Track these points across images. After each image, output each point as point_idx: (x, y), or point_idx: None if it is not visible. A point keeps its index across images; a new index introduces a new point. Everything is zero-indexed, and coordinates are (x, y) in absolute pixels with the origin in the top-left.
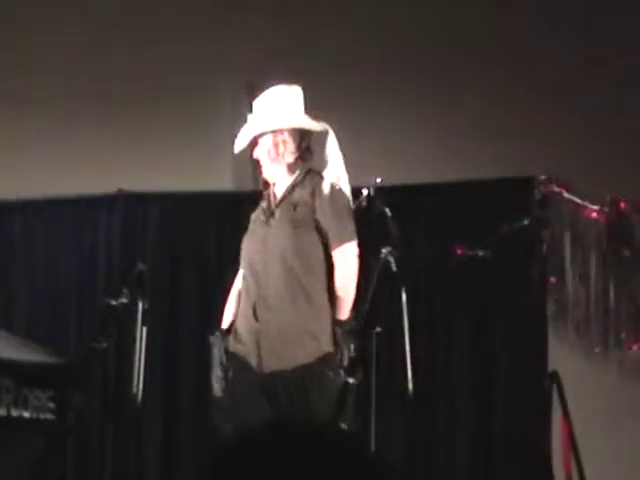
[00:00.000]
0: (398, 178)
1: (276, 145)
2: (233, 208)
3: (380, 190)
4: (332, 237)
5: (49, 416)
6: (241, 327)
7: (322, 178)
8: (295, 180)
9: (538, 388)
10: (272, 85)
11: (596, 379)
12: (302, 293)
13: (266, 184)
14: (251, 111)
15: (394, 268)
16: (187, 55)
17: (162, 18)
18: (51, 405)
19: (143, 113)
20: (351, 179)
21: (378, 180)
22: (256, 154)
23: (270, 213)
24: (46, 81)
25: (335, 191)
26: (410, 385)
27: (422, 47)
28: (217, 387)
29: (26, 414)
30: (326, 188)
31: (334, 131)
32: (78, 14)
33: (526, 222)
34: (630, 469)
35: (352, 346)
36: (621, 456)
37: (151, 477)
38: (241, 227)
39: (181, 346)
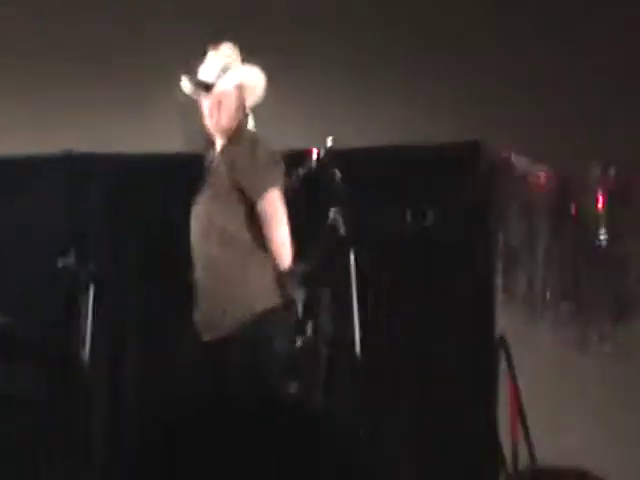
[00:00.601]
0: (348, 141)
1: (219, 104)
2: (179, 169)
3: (330, 152)
4: (253, 189)
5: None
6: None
7: (243, 138)
8: (227, 142)
9: (486, 354)
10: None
11: (543, 345)
12: (235, 254)
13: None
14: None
15: (342, 230)
16: (141, 11)
17: None
18: None
19: (92, 72)
20: (302, 140)
21: (329, 142)
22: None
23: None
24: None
25: (252, 142)
26: (357, 348)
27: (374, 7)
28: None
29: None
30: (245, 145)
31: (288, 94)
32: None
33: (473, 187)
34: (576, 435)
35: (302, 292)
36: (568, 421)
37: (98, 439)
38: (187, 189)
39: (128, 307)
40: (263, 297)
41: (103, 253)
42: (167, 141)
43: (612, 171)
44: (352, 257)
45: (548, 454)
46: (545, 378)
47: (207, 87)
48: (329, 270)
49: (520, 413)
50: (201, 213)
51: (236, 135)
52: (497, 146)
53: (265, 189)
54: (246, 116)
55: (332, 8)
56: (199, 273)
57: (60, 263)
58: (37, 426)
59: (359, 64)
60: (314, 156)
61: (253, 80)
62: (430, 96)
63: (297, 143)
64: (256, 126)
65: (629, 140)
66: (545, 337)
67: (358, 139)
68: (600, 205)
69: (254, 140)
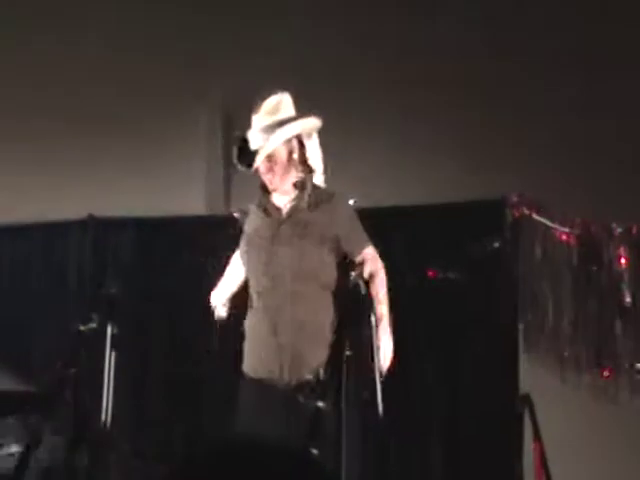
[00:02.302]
0: (370, 201)
1: (289, 154)
2: (205, 232)
3: None
4: (354, 245)
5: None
6: (259, 346)
7: (329, 194)
8: (302, 194)
9: (510, 411)
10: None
11: (568, 403)
12: (313, 313)
13: (266, 194)
14: (226, 137)
15: (363, 291)
16: (163, 80)
17: (138, 41)
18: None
19: (115, 137)
20: None
21: (351, 202)
22: (263, 166)
23: (277, 228)
24: (16, 104)
25: (345, 203)
26: (380, 410)
27: (387, 68)
28: None
29: None
30: (338, 203)
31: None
32: (51, 33)
33: (497, 244)
34: None
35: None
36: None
37: None
38: (213, 250)
39: (151, 372)
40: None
41: (125, 318)
42: (189, 204)
43: (635, 229)
44: (374, 318)
45: None
46: (571, 434)
47: (251, 158)
48: (352, 331)
49: (545, 470)
50: (285, 259)
51: (305, 188)
52: (522, 203)
53: (366, 245)
54: (307, 165)
55: (347, 64)
56: (280, 326)
57: (82, 328)
58: None
59: (381, 123)
60: None
61: (306, 128)
62: (455, 155)
63: None
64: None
65: None
66: (571, 392)
67: (380, 199)
68: (623, 261)
69: (341, 199)
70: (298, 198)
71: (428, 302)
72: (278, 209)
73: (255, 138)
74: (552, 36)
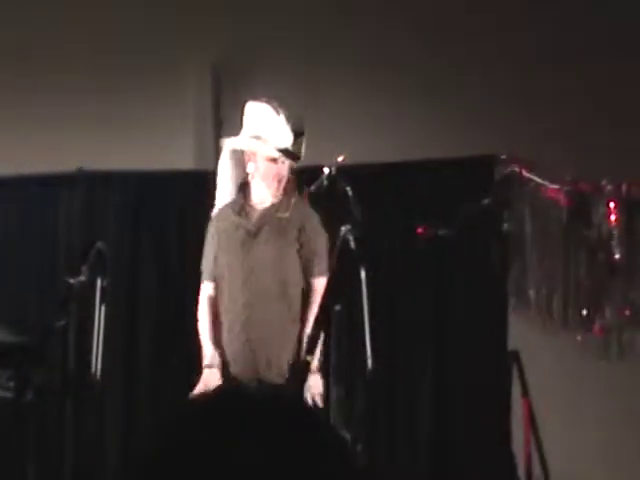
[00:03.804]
0: (359, 158)
1: (279, 169)
2: (194, 187)
3: (342, 169)
4: (315, 267)
5: (8, 395)
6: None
7: (310, 212)
8: (281, 202)
9: (498, 367)
10: (238, 69)
11: (557, 359)
12: (285, 309)
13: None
14: (216, 93)
15: (353, 246)
16: (153, 34)
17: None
18: (10, 384)
19: (105, 91)
20: (313, 157)
21: (340, 159)
22: (253, 169)
23: (255, 229)
24: (6, 58)
25: (322, 228)
26: (369, 363)
27: (386, 26)
28: None
29: None
30: (315, 223)
31: (294, 107)
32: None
33: (487, 201)
34: (590, 449)
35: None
36: (581, 436)
37: (111, 455)
38: (202, 206)
39: (140, 325)
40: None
41: (115, 271)
42: (179, 158)
43: (624, 186)
44: (363, 273)
45: (561, 467)
46: (559, 390)
47: (292, 155)
48: (341, 286)
49: (533, 426)
50: (263, 257)
51: (290, 197)
52: (512, 160)
53: (323, 273)
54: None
55: (344, 23)
56: (246, 313)
57: (72, 281)
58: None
59: (372, 80)
60: (325, 173)
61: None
62: (444, 111)
63: (308, 160)
64: None
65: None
66: (559, 349)
67: (371, 155)
68: (613, 218)
69: (320, 223)
70: (279, 201)
71: (417, 259)
72: (253, 209)
73: (283, 137)
74: None
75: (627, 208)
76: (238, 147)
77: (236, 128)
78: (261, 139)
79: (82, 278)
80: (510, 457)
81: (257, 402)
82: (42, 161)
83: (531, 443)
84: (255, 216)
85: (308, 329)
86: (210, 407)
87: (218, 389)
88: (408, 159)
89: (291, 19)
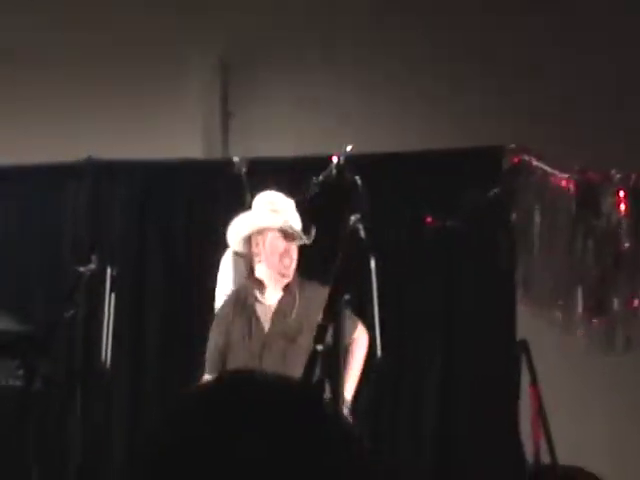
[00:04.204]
0: (369, 146)
1: (286, 247)
2: (202, 177)
3: (350, 158)
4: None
5: (17, 383)
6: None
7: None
8: (290, 293)
9: (507, 357)
10: (247, 60)
11: (565, 348)
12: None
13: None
14: (223, 83)
15: (362, 235)
16: (160, 24)
17: None
18: (19, 373)
19: (113, 80)
20: (322, 147)
21: (348, 148)
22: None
23: (260, 327)
24: (15, 46)
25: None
26: (379, 351)
27: (390, 14)
28: None
29: None
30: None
31: (309, 99)
32: None
33: (495, 191)
34: (598, 439)
35: None
36: (589, 425)
37: (118, 444)
38: (210, 195)
39: (149, 313)
40: None
41: (122, 261)
42: (187, 148)
43: (634, 176)
44: (373, 262)
45: (570, 456)
46: (566, 381)
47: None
48: (350, 276)
49: (542, 415)
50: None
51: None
52: (520, 150)
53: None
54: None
55: (347, 13)
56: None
57: (81, 269)
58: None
59: (380, 70)
60: (334, 162)
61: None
62: (453, 101)
63: (317, 149)
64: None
65: None
66: (566, 339)
67: (380, 145)
68: (622, 207)
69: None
70: (289, 300)
71: (426, 249)
72: (259, 318)
73: (295, 220)
74: None
75: (636, 198)
76: (249, 226)
77: (243, 119)
78: (278, 212)
79: (92, 266)
80: (518, 446)
81: (261, 391)
82: (49, 151)
83: (540, 431)
84: (261, 322)
85: (356, 377)
86: (213, 398)
87: (221, 376)
88: (417, 149)
89: (298, 10)
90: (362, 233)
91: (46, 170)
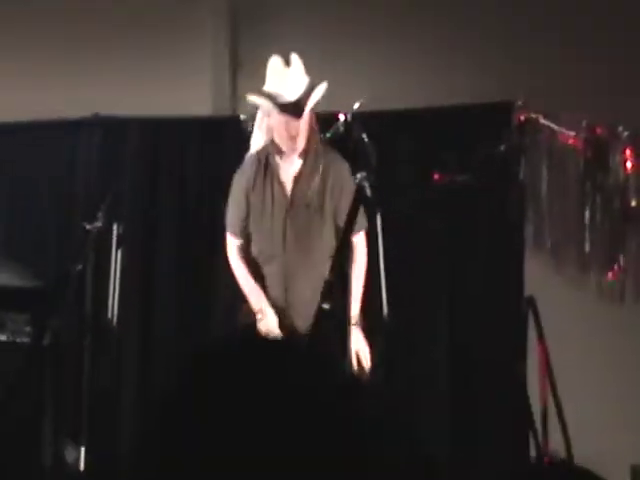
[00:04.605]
0: (375, 104)
1: (287, 126)
2: (212, 133)
3: (357, 115)
4: (354, 224)
5: (26, 339)
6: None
7: (339, 167)
8: (309, 161)
9: (515, 313)
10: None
11: (574, 304)
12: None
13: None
14: (233, 38)
15: (369, 193)
16: None
17: None
18: (28, 328)
19: (122, 36)
20: (329, 104)
21: (356, 105)
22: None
23: (283, 193)
24: (22, 2)
25: (352, 182)
26: (385, 309)
27: None
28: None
29: (2, 337)
30: (346, 179)
31: (317, 56)
32: None
33: (503, 147)
34: (605, 394)
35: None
36: (596, 381)
37: (128, 398)
38: (219, 151)
39: (158, 270)
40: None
41: (133, 216)
42: (196, 104)
43: None
44: (379, 219)
45: (577, 414)
46: (575, 335)
47: (296, 108)
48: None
49: (549, 371)
50: (294, 233)
51: (316, 151)
52: (528, 107)
53: (362, 228)
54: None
55: None
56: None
57: (88, 226)
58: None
59: (388, 27)
60: (341, 120)
61: (322, 94)
62: (461, 57)
63: (325, 106)
64: None
65: None
66: (576, 294)
67: (387, 102)
68: (630, 165)
69: (350, 175)
70: (310, 168)
71: (434, 205)
72: (282, 182)
73: (291, 89)
74: None
75: None
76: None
77: (253, 73)
78: (271, 95)
79: (98, 224)
80: (526, 402)
81: (263, 347)
82: (58, 106)
83: (547, 387)
84: (284, 186)
85: (360, 287)
86: (222, 353)
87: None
88: (424, 105)
89: None
90: (368, 191)
91: (55, 125)
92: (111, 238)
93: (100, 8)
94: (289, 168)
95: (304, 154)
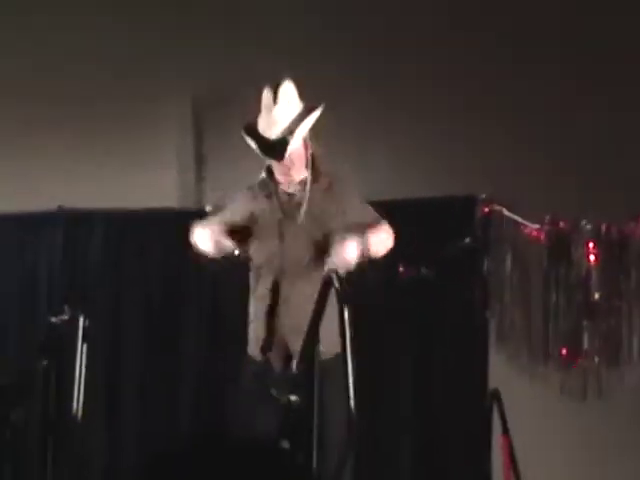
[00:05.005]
0: None
1: (305, 145)
2: (177, 226)
3: None
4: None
5: None
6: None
7: (333, 179)
8: (311, 183)
9: (479, 406)
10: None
11: (536, 398)
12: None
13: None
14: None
15: (337, 286)
16: (132, 73)
17: (104, 34)
18: None
19: (86, 129)
20: None
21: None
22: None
23: (290, 216)
24: None
25: (351, 189)
26: (352, 404)
27: (364, 64)
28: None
29: None
30: (343, 188)
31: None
32: (23, 29)
33: (468, 241)
34: None
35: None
36: (559, 475)
37: None
38: (185, 245)
39: (123, 364)
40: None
41: (97, 309)
42: (161, 197)
43: (604, 226)
44: (346, 313)
45: None
46: (538, 430)
47: (280, 148)
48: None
49: (513, 464)
50: (297, 256)
51: (316, 174)
52: (492, 200)
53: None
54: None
55: (321, 59)
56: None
57: (53, 319)
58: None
59: (356, 123)
60: None
61: (315, 120)
62: (424, 152)
63: None
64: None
65: (618, 196)
66: (539, 388)
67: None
68: (592, 258)
69: (347, 183)
70: (312, 185)
71: (399, 298)
72: (290, 195)
73: (274, 128)
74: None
75: (606, 248)
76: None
77: (218, 166)
78: (256, 134)
79: (64, 317)
80: None
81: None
82: (20, 200)
83: None
84: (285, 205)
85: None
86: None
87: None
88: (389, 198)
89: (268, 52)
90: (336, 283)
91: (19, 219)
92: (77, 332)
93: (66, 98)
94: (289, 194)
95: (302, 184)
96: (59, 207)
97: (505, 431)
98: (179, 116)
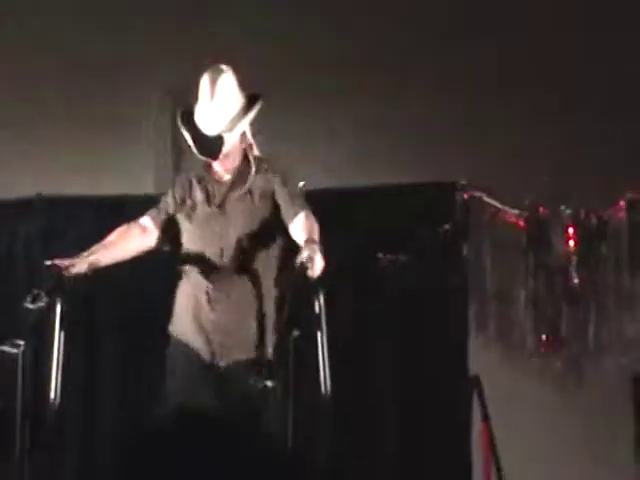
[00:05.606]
0: (319, 182)
1: (242, 137)
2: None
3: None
4: (292, 209)
5: None
6: (188, 314)
7: (271, 167)
8: (243, 167)
9: (459, 392)
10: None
11: (516, 384)
12: (258, 291)
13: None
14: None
15: (310, 272)
16: (110, 62)
17: (82, 20)
18: None
19: (63, 114)
20: None
21: (300, 184)
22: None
23: (221, 201)
24: None
25: (287, 175)
26: (325, 388)
27: (345, 46)
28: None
29: None
30: (278, 175)
31: (256, 132)
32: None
33: (447, 227)
34: (549, 474)
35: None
36: (539, 461)
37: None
38: None
39: (100, 351)
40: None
41: (75, 295)
42: (137, 183)
43: (583, 212)
44: (322, 299)
45: None
46: (517, 416)
47: (216, 146)
48: (299, 312)
49: (492, 450)
50: (231, 238)
51: (248, 163)
52: (472, 186)
53: (304, 208)
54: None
55: (303, 62)
56: (216, 300)
57: (30, 305)
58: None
59: (332, 105)
60: None
61: (255, 111)
62: (404, 137)
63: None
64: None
65: (598, 182)
66: (518, 375)
67: (331, 181)
68: (572, 243)
69: (284, 172)
70: (243, 170)
71: (378, 284)
72: (221, 182)
73: (212, 124)
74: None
75: (585, 233)
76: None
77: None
78: (194, 127)
79: (41, 303)
80: None
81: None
82: (0, 187)
83: (491, 467)
84: (218, 193)
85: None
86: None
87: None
88: (368, 184)
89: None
90: (310, 271)
91: None
92: (54, 318)
93: (45, 87)
94: (221, 180)
95: (235, 170)
96: (37, 194)
97: (485, 418)
98: (157, 103)
